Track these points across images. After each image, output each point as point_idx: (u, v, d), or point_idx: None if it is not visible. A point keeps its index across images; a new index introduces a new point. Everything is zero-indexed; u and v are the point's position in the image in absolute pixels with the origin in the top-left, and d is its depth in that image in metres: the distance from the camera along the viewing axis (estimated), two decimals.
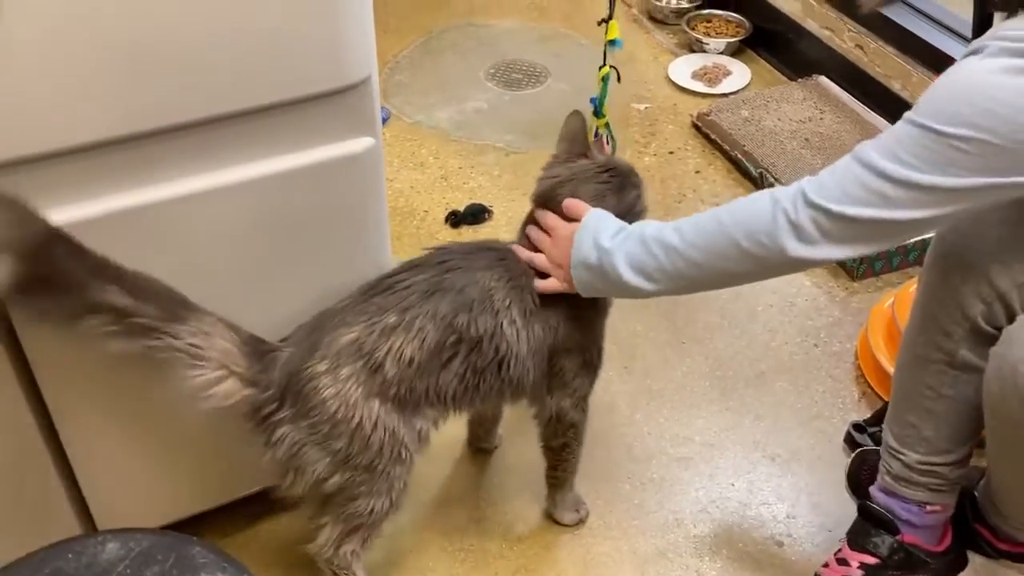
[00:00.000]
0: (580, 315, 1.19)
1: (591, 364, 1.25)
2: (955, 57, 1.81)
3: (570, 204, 1.15)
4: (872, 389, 1.60)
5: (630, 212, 1.19)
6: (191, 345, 0.99)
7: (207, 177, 1.00)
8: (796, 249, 0.96)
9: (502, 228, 1.93)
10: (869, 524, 1.25)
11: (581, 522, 1.39)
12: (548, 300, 1.15)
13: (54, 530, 1.09)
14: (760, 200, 1.00)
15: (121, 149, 0.94)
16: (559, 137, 1.26)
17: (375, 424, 1.06)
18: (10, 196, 0.89)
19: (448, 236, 1.93)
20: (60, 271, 0.92)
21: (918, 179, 0.89)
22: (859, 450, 1.43)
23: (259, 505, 1.34)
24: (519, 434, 1.48)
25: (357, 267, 1.17)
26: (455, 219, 1.97)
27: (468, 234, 1.94)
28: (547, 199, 1.20)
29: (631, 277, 1.05)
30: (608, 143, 1.84)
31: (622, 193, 1.19)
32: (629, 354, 1.65)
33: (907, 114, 0.93)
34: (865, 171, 0.93)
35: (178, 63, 0.91)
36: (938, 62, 1.97)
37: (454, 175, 2.11)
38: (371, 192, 1.13)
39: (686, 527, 1.39)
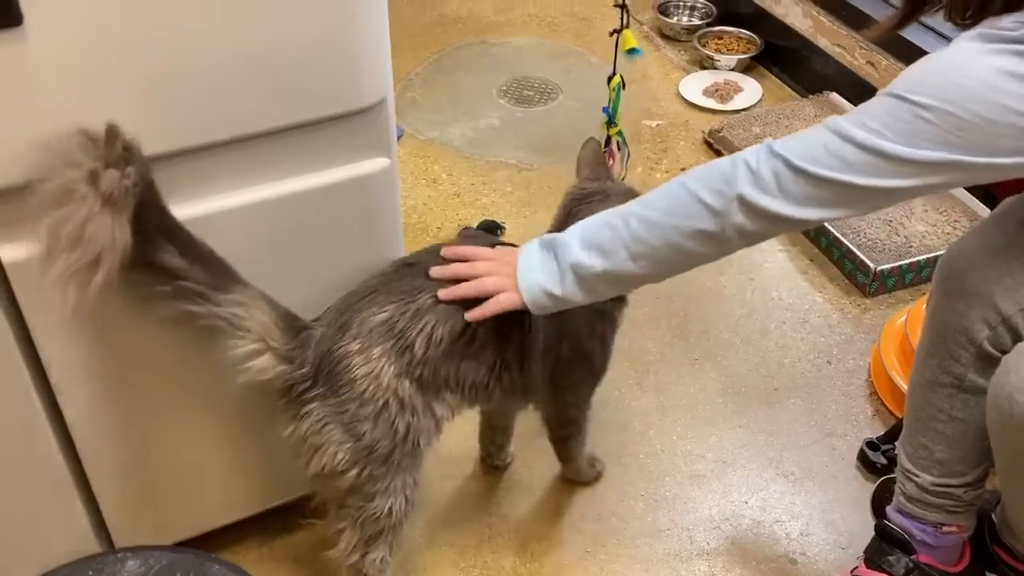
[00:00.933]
0: (592, 326, 1.21)
1: (596, 372, 1.28)
2: None
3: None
4: (885, 407, 1.60)
5: None
6: (233, 314, 0.99)
7: (223, 198, 1.02)
8: (752, 194, 0.93)
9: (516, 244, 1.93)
10: (886, 543, 1.24)
11: (599, 475, 1.46)
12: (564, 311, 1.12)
13: (71, 546, 1.11)
14: (723, 159, 0.99)
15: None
16: (578, 163, 1.28)
17: (401, 405, 1.05)
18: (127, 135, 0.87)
19: None
20: (137, 218, 0.89)
21: (881, 145, 0.89)
22: (882, 479, 1.43)
23: (275, 520, 1.35)
24: (532, 450, 1.48)
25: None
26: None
27: None
28: (571, 211, 1.21)
29: (584, 257, 1.00)
30: (620, 151, 1.86)
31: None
32: (642, 371, 1.66)
33: (884, 89, 0.93)
34: (831, 135, 0.92)
35: (198, 85, 0.93)
36: None
37: (467, 192, 2.13)
38: (386, 212, 1.15)
39: (699, 545, 1.39)
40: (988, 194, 1.24)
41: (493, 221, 2.01)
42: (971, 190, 1.94)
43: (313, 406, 1.04)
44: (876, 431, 1.54)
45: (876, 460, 1.48)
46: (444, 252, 1.10)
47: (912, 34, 2.10)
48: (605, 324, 1.25)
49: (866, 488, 1.47)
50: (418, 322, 1.05)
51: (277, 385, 1.05)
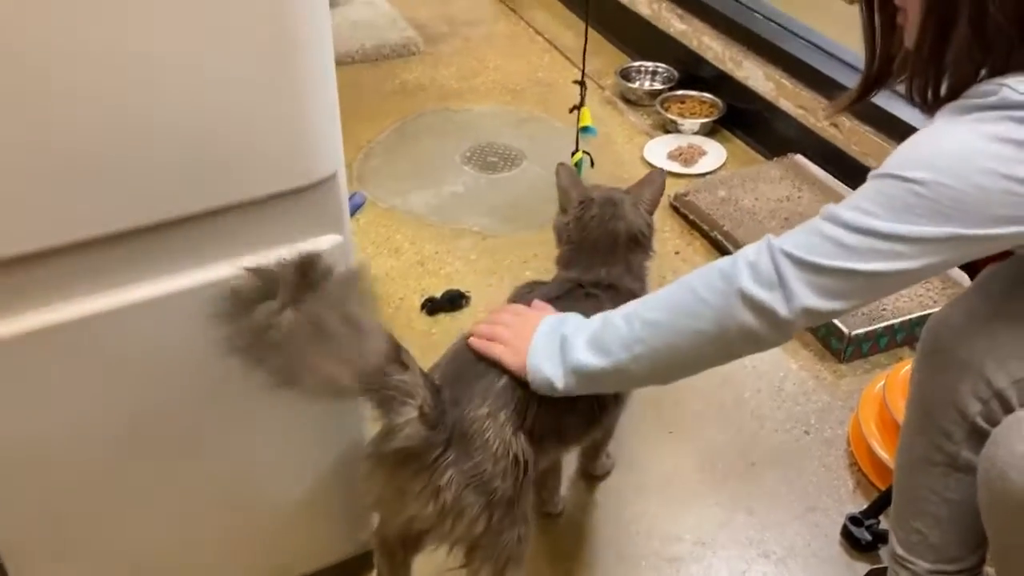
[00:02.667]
0: None
1: None
2: None
3: (538, 304, 1.16)
4: (867, 478, 1.54)
5: (648, 223, 1.32)
6: (402, 381, 0.97)
7: (160, 283, 0.95)
8: (751, 288, 0.90)
9: (480, 314, 1.88)
10: None
11: (613, 465, 1.56)
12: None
13: None
14: (726, 257, 0.97)
15: (63, 257, 0.88)
16: (560, 188, 1.33)
17: (525, 459, 1.08)
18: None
19: (424, 324, 1.88)
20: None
21: (876, 225, 0.86)
22: (870, 570, 1.36)
23: None
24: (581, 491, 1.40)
25: None
26: (431, 306, 1.92)
27: (445, 322, 1.89)
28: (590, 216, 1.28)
29: (586, 357, 1.01)
30: None
31: (637, 209, 1.31)
32: (614, 446, 1.59)
33: (872, 173, 0.91)
34: (825, 221, 0.90)
35: (128, 165, 0.87)
36: None
37: (430, 260, 2.07)
38: None
39: None
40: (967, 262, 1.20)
41: (457, 291, 1.95)
42: None
43: (451, 472, 1.04)
44: (859, 504, 1.48)
45: (860, 536, 1.41)
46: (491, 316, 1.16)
47: (880, 97, 2.10)
48: None
49: (851, 567, 1.40)
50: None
51: (414, 452, 1.02)
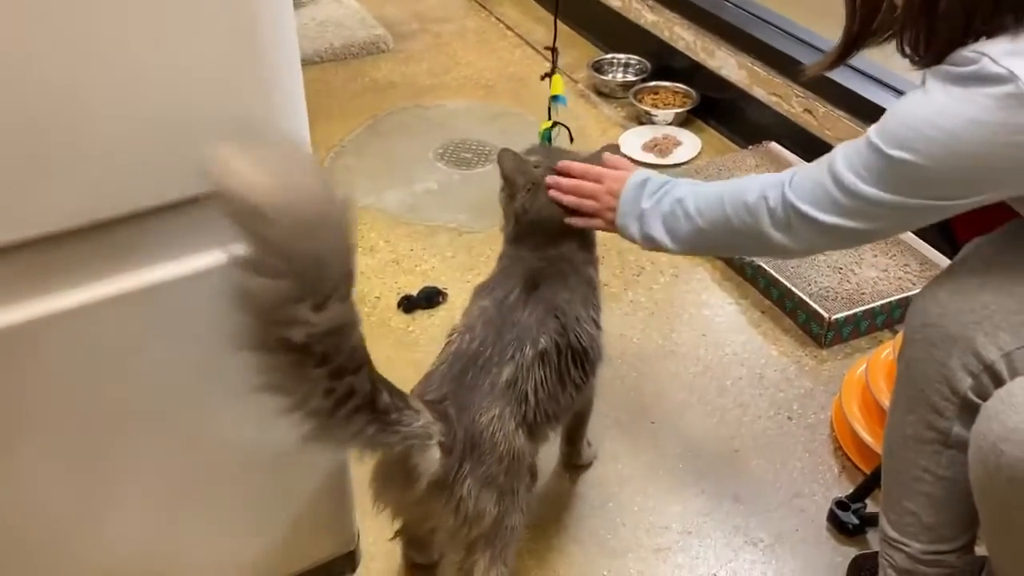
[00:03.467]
0: (596, 299, 1.32)
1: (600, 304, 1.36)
2: None
3: (612, 160, 1.31)
4: (851, 462, 1.53)
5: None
6: (423, 427, 1.00)
7: (133, 277, 0.93)
8: (772, 233, 1.08)
9: (457, 311, 1.83)
10: None
11: (596, 455, 1.54)
12: (579, 275, 1.28)
13: None
14: (752, 186, 1.11)
15: (25, 253, 0.85)
16: (505, 176, 1.33)
17: (524, 452, 1.13)
18: None
19: (401, 322, 1.85)
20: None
21: (867, 192, 0.98)
22: (855, 556, 1.34)
23: None
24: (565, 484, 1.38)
25: None
26: (408, 304, 1.89)
27: (422, 319, 1.86)
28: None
29: (660, 235, 1.19)
30: None
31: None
32: (596, 437, 1.57)
33: (869, 131, 0.99)
34: (830, 179, 1.01)
35: (90, 157, 0.84)
36: None
37: (406, 258, 2.04)
38: None
39: None
40: (948, 238, 1.19)
41: (434, 288, 1.92)
42: (927, 235, 1.92)
43: (468, 482, 1.07)
44: (844, 489, 1.47)
45: (847, 520, 1.40)
46: (561, 166, 1.29)
47: (849, 80, 2.11)
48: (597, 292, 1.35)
49: (839, 551, 1.39)
50: (529, 374, 1.14)
51: (438, 478, 1.04)
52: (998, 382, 0.97)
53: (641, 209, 1.20)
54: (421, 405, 1.02)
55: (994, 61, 0.87)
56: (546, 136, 1.65)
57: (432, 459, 1.02)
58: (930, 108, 0.92)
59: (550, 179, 1.28)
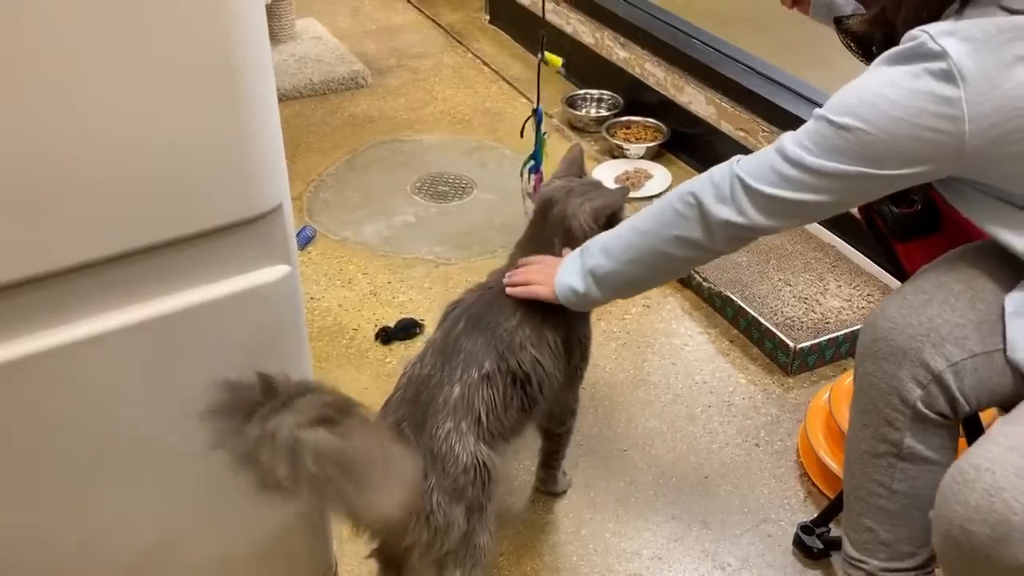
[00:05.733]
0: (582, 318, 1.36)
1: (587, 349, 1.41)
2: None
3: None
4: (816, 487, 1.57)
5: (619, 208, 1.36)
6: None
7: (106, 318, 0.95)
8: (713, 208, 1.10)
9: None
10: None
11: (570, 484, 1.58)
12: (552, 308, 1.28)
13: None
14: (693, 179, 1.15)
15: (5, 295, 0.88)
16: (561, 160, 1.46)
17: (487, 466, 1.16)
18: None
19: (379, 353, 1.89)
20: None
21: (808, 161, 1.03)
22: None
23: None
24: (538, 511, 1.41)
25: None
26: (386, 335, 1.93)
27: (400, 350, 1.90)
28: (546, 205, 1.36)
29: (598, 259, 1.21)
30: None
31: (609, 194, 1.37)
32: (570, 465, 1.60)
33: (816, 110, 1.05)
34: (776, 154, 1.06)
35: (71, 201, 0.87)
36: None
37: (383, 290, 2.08)
38: (288, 322, 1.09)
39: None
40: (900, 270, 1.24)
41: (411, 319, 1.96)
42: (883, 266, 1.98)
43: (436, 495, 1.12)
44: (810, 513, 1.51)
45: (812, 545, 1.44)
46: (519, 262, 1.32)
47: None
48: (585, 318, 1.40)
49: (804, 575, 1.43)
50: (478, 392, 1.18)
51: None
52: (946, 392, 1.02)
53: (583, 248, 1.24)
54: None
55: (932, 39, 0.95)
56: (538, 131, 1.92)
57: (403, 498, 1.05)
58: (875, 80, 1.00)
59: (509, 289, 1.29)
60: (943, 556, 0.97)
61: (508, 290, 1.27)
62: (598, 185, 1.41)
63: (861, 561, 1.16)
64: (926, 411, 1.04)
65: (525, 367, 1.24)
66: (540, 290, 1.25)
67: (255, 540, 1.22)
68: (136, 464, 1.05)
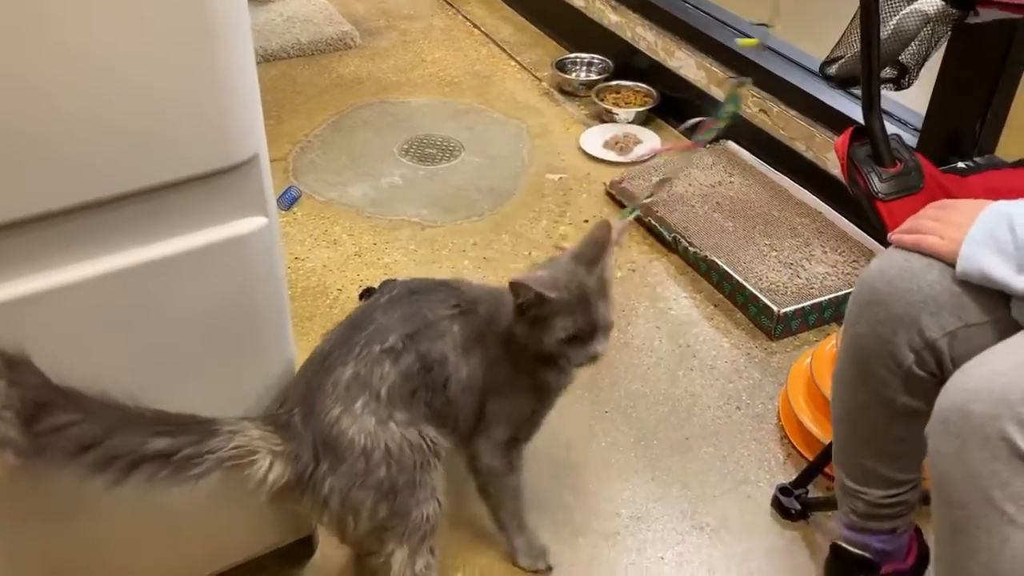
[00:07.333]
0: (517, 369, 1.20)
1: (515, 418, 1.25)
2: (854, 118, 1.86)
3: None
4: (796, 450, 1.58)
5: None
6: (237, 448, 1.02)
7: (78, 268, 0.94)
8: None
9: None
10: (849, 565, 1.23)
11: (540, 573, 1.38)
12: (492, 344, 1.17)
13: None
14: None
15: None
16: (584, 238, 1.18)
17: (399, 445, 1.11)
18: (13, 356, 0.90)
19: None
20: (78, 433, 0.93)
21: None
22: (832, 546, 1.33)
23: None
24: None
25: (255, 357, 1.11)
26: (369, 296, 1.92)
27: None
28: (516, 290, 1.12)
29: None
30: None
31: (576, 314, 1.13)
32: (551, 427, 1.60)
33: None
34: None
35: (42, 147, 0.86)
36: (838, 123, 2.03)
37: (368, 252, 2.07)
38: (267, 274, 1.08)
39: None
40: (883, 230, 1.23)
41: (395, 280, 1.95)
42: (878, 233, 1.98)
43: (330, 482, 1.08)
44: (789, 476, 1.52)
45: (790, 506, 1.45)
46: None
47: (802, 81, 2.17)
48: (535, 381, 1.22)
49: (782, 535, 1.44)
50: (377, 369, 1.11)
51: (291, 484, 1.08)
52: (937, 357, 1.01)
53: (1014, 226, 0.95)
54: (243, 425, 1.05)
55: None
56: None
57: (261, 470, 1.04)
58: None
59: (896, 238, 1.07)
60: (936, 449, 0.90)
61: (894, 235, 1.05)
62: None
63: (862, 491, 1.18)
64: (919, 371, 1.04)
65: (434, 355, 1.13)
66: (936, 243, 1.00)
67: (235, 498, 1.22)
68: None
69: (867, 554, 1.22)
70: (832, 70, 1.19)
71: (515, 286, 1.10)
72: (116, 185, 0.92)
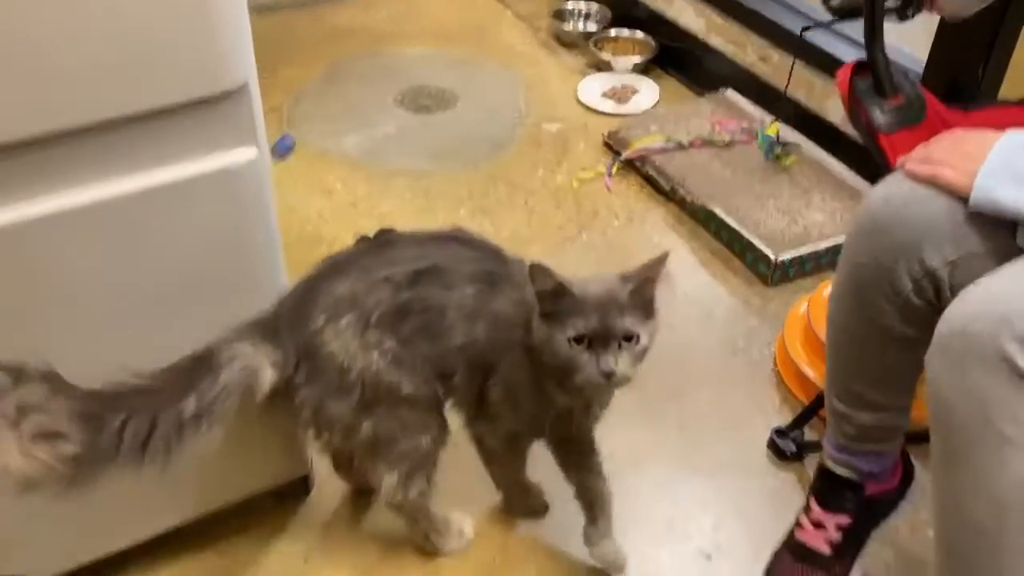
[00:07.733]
0: (524, 366, 1.12)
1: (516, 417, 1.19)
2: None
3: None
4: (792, 394, 1.58)
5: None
6: (243, 369, 1.03)
7: (67, 196, 0.93)
8: None
9: None
10: (835, 484, 1.25)
11: (545, 506, 1.39)
12: (503, 327, 1.10)
13: None
14: None
15: None
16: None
17: (378, 370, 1.08)
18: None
19: None
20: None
21: None
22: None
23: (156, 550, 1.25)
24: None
25: (246, 291, 1.10)
26: None
27: None
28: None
29: None
30: None
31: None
32: None
33: None
34: None
35: (26, 70, 0.84)
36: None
37: (363, 201, 2.05)
38: (257, 207, 1.07)
39: None
40: (885, 164, 1.20)
41: (391, 229, 1.94)
42: (868, 176, 1.96)
43: (304, 392, 1.08)
44: (785, 419, 1.52)
45: (785, 447, 1.46)
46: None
47: (808, 34, 2.13)
48: (541, 394, 1.14)
49: (777, 476, 1.45)
50: (373, 292, 1.08)
51: (277, 388, 1.07)
52: (936, 286, 1.00)
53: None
54: (236, 347, 1.04)
55: None
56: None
57: (264, 383, 1.05)
58: None
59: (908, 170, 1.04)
60: (936, 376, 0.89)
61: (907, 165, 1.02)
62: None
63: (851, 415, 1.18)
64: (916, 300, 1.03)
65: (433, 302, 1.09)
66: (948, 174, 0.97)
67: (231, 436, 1.21)
68: (97, 351, 1.04)
69: (853, 475, 1.24)
70: (835, 1, 1.16)
71: (535, 270, 1.02)
72: (103, 110, 0.90)
